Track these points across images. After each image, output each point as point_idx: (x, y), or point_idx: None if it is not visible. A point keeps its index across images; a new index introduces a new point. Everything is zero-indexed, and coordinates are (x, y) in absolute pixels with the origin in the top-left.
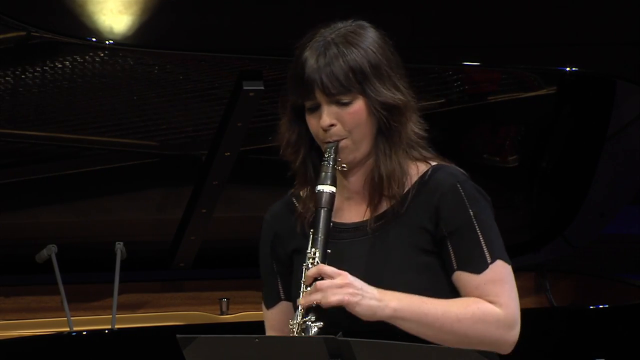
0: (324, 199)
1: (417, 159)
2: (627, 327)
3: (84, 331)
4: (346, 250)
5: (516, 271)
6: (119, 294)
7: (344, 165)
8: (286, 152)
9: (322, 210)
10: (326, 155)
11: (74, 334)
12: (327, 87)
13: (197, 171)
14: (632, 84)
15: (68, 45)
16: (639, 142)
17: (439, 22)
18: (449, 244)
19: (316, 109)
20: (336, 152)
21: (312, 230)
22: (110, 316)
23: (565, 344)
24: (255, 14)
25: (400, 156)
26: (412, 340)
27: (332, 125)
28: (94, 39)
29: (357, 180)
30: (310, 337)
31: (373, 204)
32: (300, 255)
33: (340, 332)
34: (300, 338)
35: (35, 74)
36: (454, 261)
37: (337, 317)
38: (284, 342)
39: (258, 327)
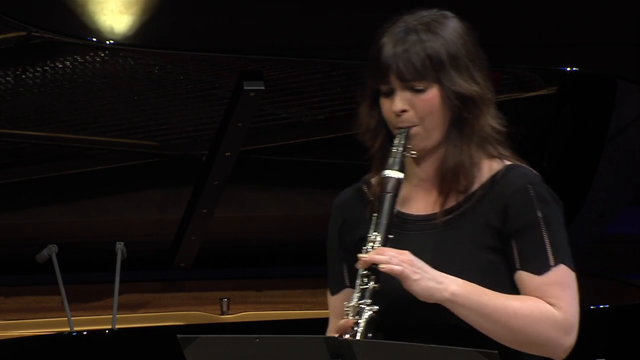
0: (390, 184)
1: (492, 156)
2: (628, 327)
3: (84, 331)
4: (410, 242)
5: None
6: (120, 294)
7: (414, 152)
8: (365, 136)
9: (387, 195)
10: (396, 141)
11: (74, 334)
12: (402, 73)
13: (197, 171)
14: (632, 84)
15: (68, 45)
16: (639, 142)
17: None
18: (513, 243)
19: (390, 93)
20: (407, 138)
21: (375, 214)
22: (111, 316)
23: None
24: (255, 14)
25: (472, 149)
26: (464, 333)
27: (404, 111)
28: (94, 39)
29: (427, 168)
30: (310, 337)
31: (442, 196)
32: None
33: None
34: (301, 338)
35: (36, 74)
36: (517, 260)
37: (393, 298)
38: (285, 342)
39: (258, 327)
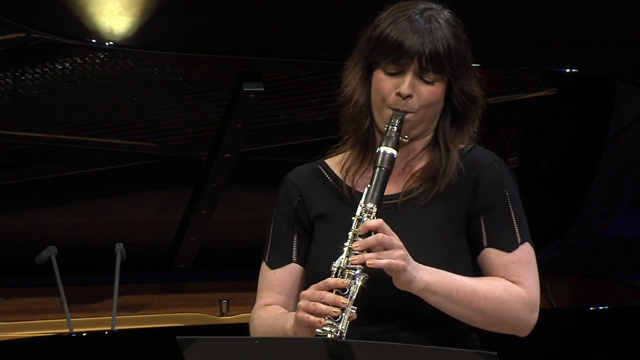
0: (386, 159)
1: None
2: (627, 329)
3: (84, 332)
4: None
5: None
6: (119, 295)
7: (406, 137)
8: (352, 111)
9: (382, 170)
10: (392, 121)
11: (74, 335)
12: (426, 62)
13: (197, 172)
14: (632, 85)
15: (68, 47)
16: (639, 144)
17: None
18: (481, 219)
19: (397, 74)
20: (402, 122)
21: (368, 185)
22: (111, 317)
23: (565, 345)
24: (255, 15)
25: (460, 144)
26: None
27: (409, 96)
28: (94, 41)
29: (400, 157)
30: (310, 338)
31: (414, 180)
32: (323, 221)
33: (341, 335)
34: (300, 339)
35: (35, 75)
36: (484, 237)
37: (377, 277)
38: (284, 343)
39: None
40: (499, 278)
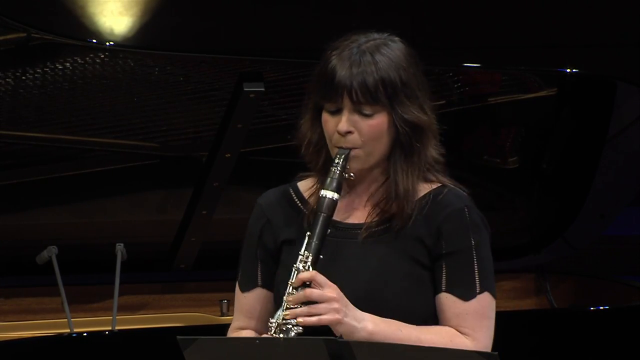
0: (326, 204)
1: (431, 181)
2: (627, 329)
3: (84, 332)
4: (340, 250)
5: (516, 272)
6: (120, 295)
7: (352, 174)
8: (307, 151)
9: (322, 216)
10: (335, 161)
11: (74, 335)
12: (356, 95)
13: (197, 172)
14: (632, 86)
15: (68, 47)
16: (639, 144)
17: (439, 23)
18: (443, 264)
19: (337, 112)
20: (346, 159)
21: (308, 233)
22: (111, 317)
23: (566, 345)
24: (255, 15)
25: (416, 176)
26: None
27: (349, 132)
28: (94, 41)
29: (359, 188)
30: (310, 338)
31: (378, 211)
32: (291, 246)
33: (341, 335)
34: (300, 339)
35: (36, 75)
36: (443, 282)
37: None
38: (285, 343)
39: None
40: (449, 329)
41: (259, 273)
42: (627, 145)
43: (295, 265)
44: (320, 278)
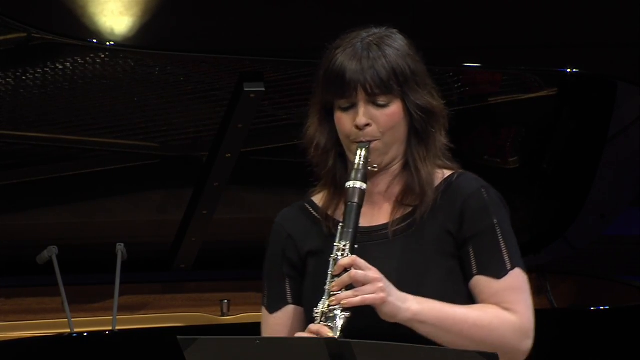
0: (355, 194)
1: (443, 168)
2: (627, 329)
3: (84, 332)
4: (369, 253)
5: None
6: (120, 295)
7: (375, 166)
8: (315, 154)
9: (353, 205)
10: (358, 154)
11: (74, 335)
12: (370, 87)
13: (197, 172)
14: (633, 86)
15: (69, 47)
16: (639, 144)
17: (439, 23)
18: (470, 247)
19: (350, 108)
20: (368, 152)
21: (341, 224)
22: (111, 317)
23: (566, 345)
24: (256, 15)
25: (433, 161)
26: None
27: (367, 125)
28: (94, 41)
29: (379, 182)
30: (311, 338)
31: (399, 207)
32: (315, 257)
33: (341, 334)
34: (301, 339)
35: (36, 75)
36: (473, 265)
37: (363, 311)
38: (285, 343)
39: (259, 328)
40: (492, 305)
41: (288, 290)
42: (627, 145)
43: (332, 256)
44: (361, 262)
